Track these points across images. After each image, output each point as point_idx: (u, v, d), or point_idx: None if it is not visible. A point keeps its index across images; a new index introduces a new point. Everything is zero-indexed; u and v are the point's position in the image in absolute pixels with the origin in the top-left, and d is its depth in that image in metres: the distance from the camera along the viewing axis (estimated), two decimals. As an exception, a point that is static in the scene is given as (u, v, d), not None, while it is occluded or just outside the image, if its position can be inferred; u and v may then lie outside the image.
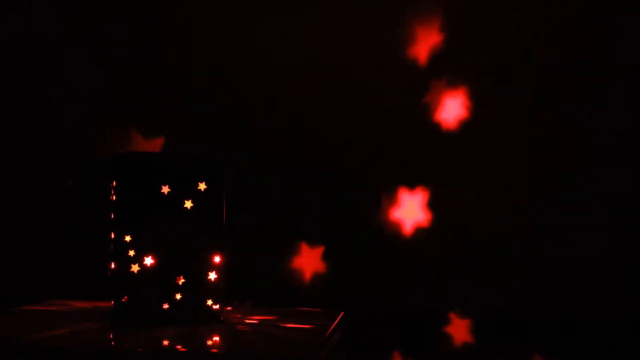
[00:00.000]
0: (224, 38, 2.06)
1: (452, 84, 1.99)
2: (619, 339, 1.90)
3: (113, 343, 1.34)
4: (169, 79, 2.06)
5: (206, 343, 1.35)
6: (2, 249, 2.09)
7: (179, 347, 1.31)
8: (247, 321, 1.53)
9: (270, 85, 2.05)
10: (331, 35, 2.03)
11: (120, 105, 2.07)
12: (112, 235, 1.44)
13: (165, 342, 1.33)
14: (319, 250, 2.02)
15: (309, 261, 2.02)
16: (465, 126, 1.98)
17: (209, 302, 1.48)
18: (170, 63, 2.07)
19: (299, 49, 2.04)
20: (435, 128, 2.00)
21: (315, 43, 2.03)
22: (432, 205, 1.99)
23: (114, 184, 1.44)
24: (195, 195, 1.46)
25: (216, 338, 1.39)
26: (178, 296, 1.45)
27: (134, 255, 1.43)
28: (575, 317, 1.94)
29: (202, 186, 1.46)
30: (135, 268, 1.43)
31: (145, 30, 2.08)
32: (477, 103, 1.98)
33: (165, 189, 1.44)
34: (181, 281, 1.45)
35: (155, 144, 2.00)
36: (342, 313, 1.62)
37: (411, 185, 2.00)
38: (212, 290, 1.48)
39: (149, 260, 1.43)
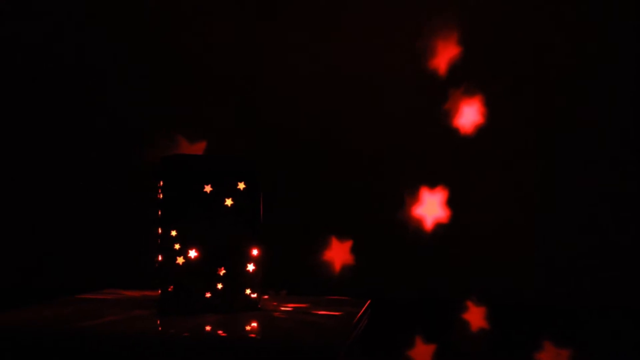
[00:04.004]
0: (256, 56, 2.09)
1: (469, 92, 1.98)
2: (623, 329, 1.89)
3: (160, 329, 1.34)
4: (212, 90, 2.08)
5: (245, 329, 1.36)
6: (64, 244, 2.12)
7: (220, 332, 1.31)
8: (282, 309, 1.53)
9: (304, 97, 2.06)
10: (362, 50, 2.04)
11: (168, 113, 2.09)
12: (159, 231, 1.45)
13: (208, 328, 1.33)
14: (347, 244, 2.02)
15: (338, 254, 2.02)
16: (481, 131, 1.98)
17: (248, 291, 1.48)
18: (213, 76, 2.09)
19: (328, 62, 2.05)
20: (454, 132, 1.99)
21: (347, 58, 2.05)
22: (451, 203, 1.99)
23: (161, 183, 1.45)
24: (235, 194, 1.46)
25: (254, 324, 1.39)
26: (219, 286, 1.45)
27: (179, 248, 1.43)
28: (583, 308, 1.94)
29: (241, 186, 1.46)
30: (180, 260, 1.43)
31: (193, 48, 2.11)
32: (491, 109, 1.98)
33: (208, 188, 1.44)
34: (222, 272, 1.46)
35: (199, 147, 2.01)
36: (369, 301, 1.62)
37: (432, 184, 2.00)
38: (250, 280, 1.48)
39: (192, 253, 1.44)
